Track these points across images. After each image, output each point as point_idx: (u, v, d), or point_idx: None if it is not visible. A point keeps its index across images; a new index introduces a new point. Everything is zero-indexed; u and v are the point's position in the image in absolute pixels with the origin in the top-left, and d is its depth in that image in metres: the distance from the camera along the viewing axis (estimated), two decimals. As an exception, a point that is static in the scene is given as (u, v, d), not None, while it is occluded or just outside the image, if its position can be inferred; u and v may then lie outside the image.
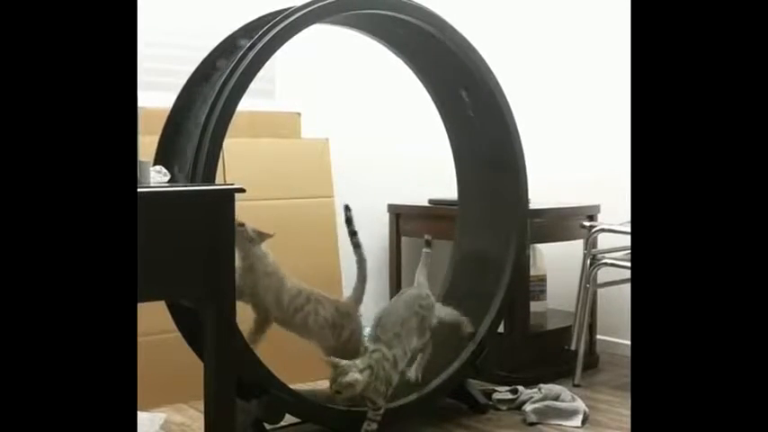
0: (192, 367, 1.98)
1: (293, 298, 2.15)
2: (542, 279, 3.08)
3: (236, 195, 1.72)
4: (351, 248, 3.10)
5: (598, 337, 3.05)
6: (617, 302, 3.05)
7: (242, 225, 2.09)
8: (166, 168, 1.91)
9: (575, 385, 2.68)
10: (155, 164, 1.98)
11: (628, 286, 2.87)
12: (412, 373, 2.27)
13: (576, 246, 2.90)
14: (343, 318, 2.20)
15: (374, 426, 2.07)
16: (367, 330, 2.43)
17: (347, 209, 2.29)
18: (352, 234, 2.29)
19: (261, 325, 2.13)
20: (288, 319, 2.15)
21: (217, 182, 1.99)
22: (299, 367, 2.38)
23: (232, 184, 1.74)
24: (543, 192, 2.97)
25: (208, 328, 1.72)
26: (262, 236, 2.12)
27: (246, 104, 2.10)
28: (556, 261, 3.14)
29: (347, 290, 2.93)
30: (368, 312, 3.23)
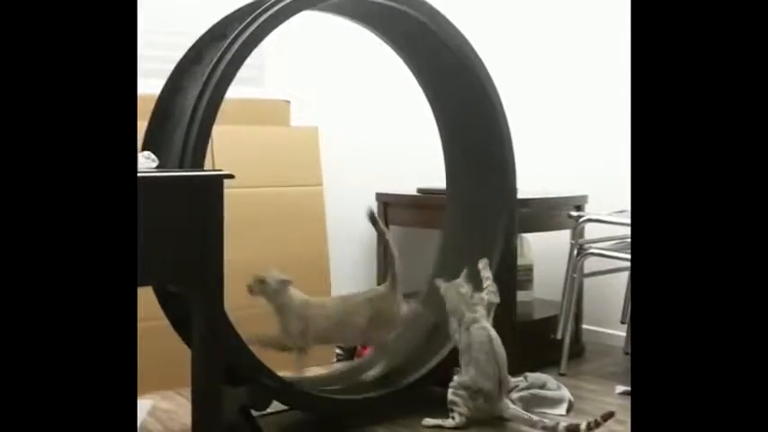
0: (180, 354, 1.98)
1: (332, 324, 2.23)
2: (529, 268, 3.09)
3: (226, 182, 1.71)
4: (339, 236, 3.12)
5: (584, 326, 3.07)
6: (603, 292, 3.07)
7: (263, 281, 2.15)
8: (155, 154, 1.90)
9: (560, 374, 2.70)
10: (143, 150, 1.97)
11: (614, 276, 2.89)
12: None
13: (564, 236, 2.91)
14: (384, 303, 2.28)
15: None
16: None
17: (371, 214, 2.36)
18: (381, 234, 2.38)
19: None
20: (344, 335, 2.30)
21: (206, 168, 1.98)
22: (287, 355, 2.38)
23: (221, 171, 1.74)
24: (531, 182, 2.98)
25: (196, 314, 1.72)
26: (285, 282, 2.18)
27: (236, 92, 2.09)
28: (543, 251, 3.16)
29: (335, 278, 2.95)
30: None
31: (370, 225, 2.36)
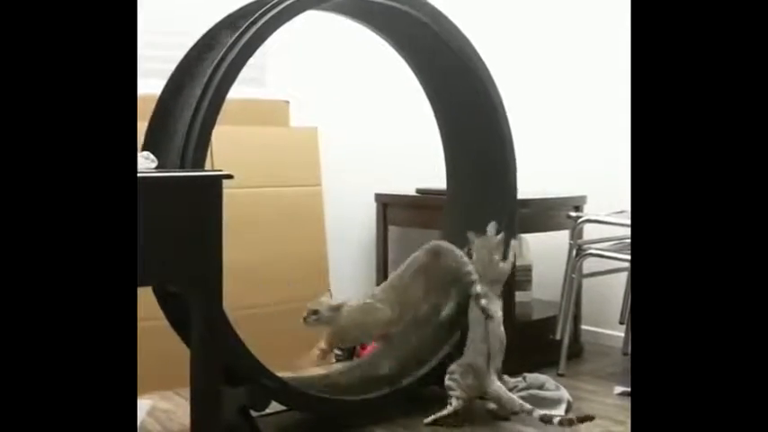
0: (178, 354, 1.98)
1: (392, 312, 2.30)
2: (528, 269, 3.10)
3: (225, 182, 1.72)
4: (337, 237, 3.12)
5: (583, 327, 3.07)
6: (602, 293, 3.07)
7: (316, 312, 2.17)
8: (154, 155, 1.90)
9: (559, 375, 2.71)
10: (143, 150, 1.97)
11: (613, 277, 2.89)
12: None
13: (562, 236, 2.92)
14: (431, 267, 2.33)
15: None
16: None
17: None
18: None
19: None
20: (408, 309, 2.33)
21: (205, 169, 1.98)
22: (286, 355, 2.39)
23: (220, 171, 1.74)
24: (530, 182, 2.98)
25: (195, 314, 1.72)
26: (336, 308, 2.20)
27: (236, 92, 2.09)
28: (542, 251, 3.16)
29: (334, 278, 2.95)
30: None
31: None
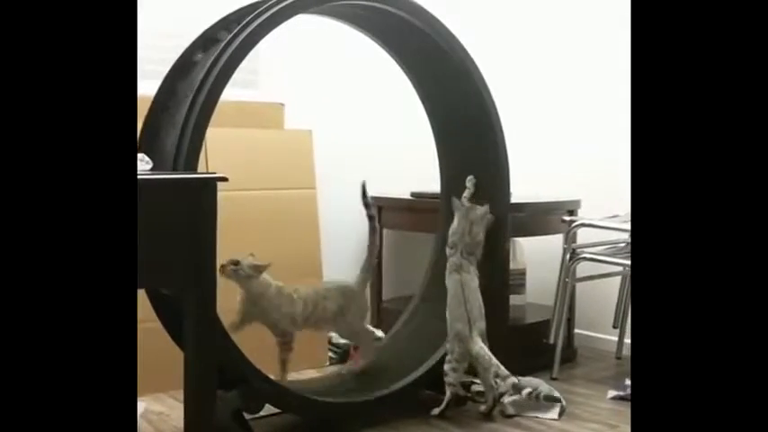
0: (172, 356, 1.98)
1: (303, 311, 2.24)
2: (522, 273, 3.10)
3: (219, 185, 1.71)
4: (332, 240, 3.12)
5: (576, 331, 3.08)
6: (595, 297, 3.08)
7: (237, 263, 2.14)
8: (149, 156, 1.90)
9: (552, 378, 2.71)
10: (137, 152, 1.96)
11: (607, 281, 2.90)
12: None
13: (556, 240, 2.92)
14: (349, 300, 2.32)
15: None
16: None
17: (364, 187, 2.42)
18: (367, 206, 2.43)
19: (287, 344, 2.25)
20: (304, 327, 2.27)
21: (199, 171, 1.98)
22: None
23: (215, 173, 1.74)
24: (524, 186, 2.99)
25: (188, 317, 1.71)
26: (258, 268, 2.17)
27: (230, 94, 2.09)
28: (536, 255, 3.16)
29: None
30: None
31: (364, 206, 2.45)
